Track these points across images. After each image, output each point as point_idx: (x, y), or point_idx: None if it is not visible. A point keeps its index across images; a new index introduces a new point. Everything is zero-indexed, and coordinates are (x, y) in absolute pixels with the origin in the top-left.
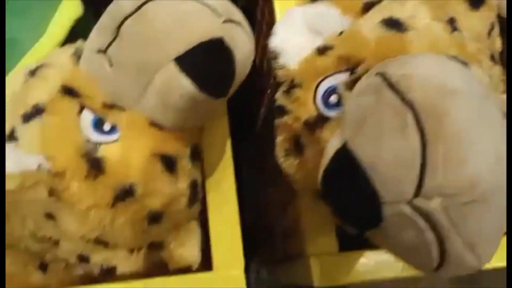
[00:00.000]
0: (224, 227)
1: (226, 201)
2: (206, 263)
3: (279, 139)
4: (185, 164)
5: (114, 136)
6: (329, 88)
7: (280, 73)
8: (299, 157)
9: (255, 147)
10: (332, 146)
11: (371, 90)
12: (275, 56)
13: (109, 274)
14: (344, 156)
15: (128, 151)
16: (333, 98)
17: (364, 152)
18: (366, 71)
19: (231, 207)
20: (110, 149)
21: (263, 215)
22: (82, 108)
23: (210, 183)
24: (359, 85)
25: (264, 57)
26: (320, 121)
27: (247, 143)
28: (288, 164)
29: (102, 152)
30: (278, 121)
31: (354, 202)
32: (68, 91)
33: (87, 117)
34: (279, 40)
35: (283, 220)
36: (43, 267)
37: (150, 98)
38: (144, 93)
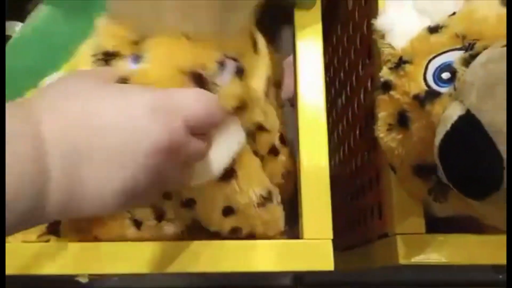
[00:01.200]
0: (315, 196)
1: (318, 174)
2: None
3: (382, 114)
4: None
5: None
6: (442, 64)
7: (386, 51)
8: (403, 131)
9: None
10: (450, 115)
11: (502, 58)
12: (382, 35)
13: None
14: (469, 121)
15: None
16: (445, 75)
17: (492, 117)
18: (485, 47)
19: (323, 179)
20: None
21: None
22: None
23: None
24: (485, 55)
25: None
26: (431, 96)
27: None
28: (390, 138)
29: None
30: (381, 97)
31: (476, 165)
32: None
33: None
34: (387, 20)
35: (364, 200)
36: (138, 224)
37: None
38: None
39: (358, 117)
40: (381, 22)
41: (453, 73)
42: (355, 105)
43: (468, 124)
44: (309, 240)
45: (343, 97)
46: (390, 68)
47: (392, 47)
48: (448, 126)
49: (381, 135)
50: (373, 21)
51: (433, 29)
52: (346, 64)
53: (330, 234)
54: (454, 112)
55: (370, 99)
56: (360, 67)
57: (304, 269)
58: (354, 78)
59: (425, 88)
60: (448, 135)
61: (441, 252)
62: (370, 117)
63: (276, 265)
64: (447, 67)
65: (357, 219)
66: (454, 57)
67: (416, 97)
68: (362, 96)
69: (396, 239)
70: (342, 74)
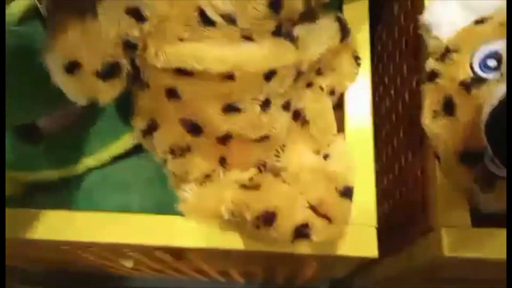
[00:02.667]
0: (361, 184)
1: (364, 165)
2: None
3: (427, 102)
4: None
5: None
6: (488, 52)
7: (433, 44)
8: (449, 117)
9: None
10: (497, 93)
11: None
12: (427, 29)
13: None
14: None
15: None
16: (491, 62)
17: None
18: None
19: (369, 166)
20: None
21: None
22: None
23: None
24: None
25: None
26: (477, 81)
27: None
28: (436, 125)
29: None
30: (428, 86)
31: None
32: None
33: None
34: (433, 15)
35: (409, 198)
36: None
37: None
38: None
39: (403, 117)
40: (427, 16)
41: (499, 60)
42: (399, 107)
43: None
44: (354, 226)
45: (387, 101)
46: (437, 59)
47: (439, 39)
48: (495, 102)
49: (427, 121)
50: (419, 16)
51: (479, 21)
52: (391, 69)
53: (374, 221)
54: (501, 91)
55: (415, 99)
56: (404, 69)
57: (348, 254)
58: (399, 80)
59: (472, 75)
60: (494, 110)
61: (488, 246)
62: (415, 116)
63: (320, 248)
64: (493, 54)
65: (402, 219)
66: (500, 45)
67: (462, 83)
68: (407, 96)
69: (441, 231)
70: (386, 79)
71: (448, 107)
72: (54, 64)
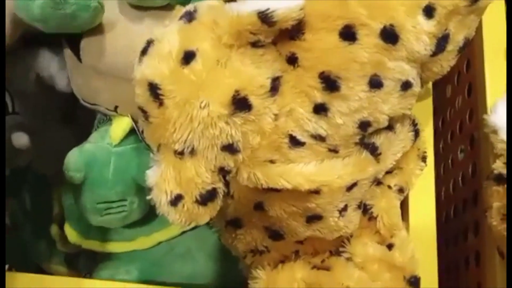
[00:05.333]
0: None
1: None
2: None
3: (496, 204)
4: None
5: None
6: None
7: (499, 146)
8: None
9: None
10: None
11: None
12: (494, 131)
13: None
14: None
15: None
16: None
17: None
18: None
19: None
20: None
21: None
22: None
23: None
24: None
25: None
26: None
27: None
28: (503, 227)
29: None
30: (495, 188)
31: None
32: None
33: None
34: (500, 118)
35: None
36: None
37: None
38: None
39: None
40: (494, 119)
41: None
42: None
43: None
44: None
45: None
46: (504, 163)
47: (506, 143)
48: None
49: (494, 223)
50: (485, 116)
51: None
52: (441, 146)
53: None
54: None
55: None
56: (458, 152)
57: None
58: (450, 161)
59: None
60: None
61: None
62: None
63: None
64: None
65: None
66: None
67: None
68: (460, 178)
69: None
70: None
71: None
72: (159, 199)
